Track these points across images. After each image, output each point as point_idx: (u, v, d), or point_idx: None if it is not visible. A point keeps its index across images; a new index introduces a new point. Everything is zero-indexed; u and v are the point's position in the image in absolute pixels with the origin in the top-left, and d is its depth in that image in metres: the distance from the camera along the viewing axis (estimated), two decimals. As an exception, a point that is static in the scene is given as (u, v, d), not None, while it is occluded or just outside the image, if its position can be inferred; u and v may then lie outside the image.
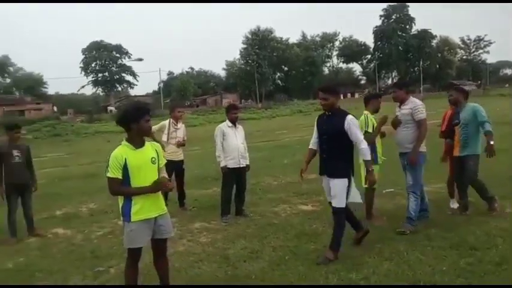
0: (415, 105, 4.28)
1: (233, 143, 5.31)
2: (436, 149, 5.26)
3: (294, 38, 76.93)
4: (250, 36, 69.16)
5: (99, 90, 64.25)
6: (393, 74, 77.42)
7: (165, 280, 3.13)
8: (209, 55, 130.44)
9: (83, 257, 4.25)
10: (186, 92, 59.99)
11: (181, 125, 6.05)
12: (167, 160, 3.41)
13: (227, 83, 74.89)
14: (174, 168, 5.48)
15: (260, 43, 68.36)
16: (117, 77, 62.24)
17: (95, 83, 61.55)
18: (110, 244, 4.61)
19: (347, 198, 3.68)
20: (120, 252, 3.95)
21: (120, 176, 2.85)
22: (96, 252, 4.38)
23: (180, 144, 5.86)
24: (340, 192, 3.65)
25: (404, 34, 73.35)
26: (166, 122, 5.90)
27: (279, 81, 76.38)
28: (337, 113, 3.73)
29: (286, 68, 74.73)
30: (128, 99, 52.60)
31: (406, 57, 73.71)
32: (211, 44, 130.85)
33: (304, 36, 77.91)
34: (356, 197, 3.80)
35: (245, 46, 69.33)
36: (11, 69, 64.67)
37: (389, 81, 75.98)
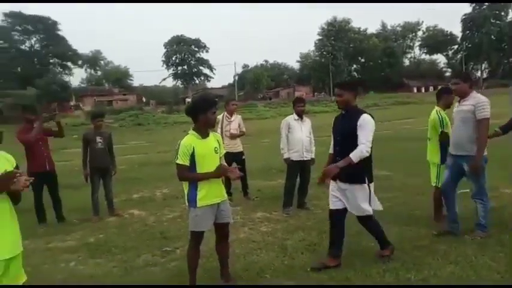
0: (478, 101, 3.81)
1: (298, 136, 5.35)
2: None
3: (372, 28, 74.20)
4: (326, 27, 67.88)
5: (179, 83, 67.69)
6: (483, 65, 70.92)
7: (225, 263, 3.31)
8: (284, 47, 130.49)
9: (153, 237, 4.63)
10: (259, 85, 60.84)
11: (235, 117, 6.31)
12: (225, 152, 3.58)
13: (300, 75, 74.44)
14: (234, 159, 5.68)
15: (336, 34, 66.78)
16: (195, 70, 64.95)
17: (175, 76, 64.86)
18: (178, 227, 4.96)
19: (371, 205, 3.44)
20: (186, 234, 4.17)
21: (187, 163, 3.05)
22: (165, 233, 4.75)
23: (234, 136, 6.08)
24: (361, 199, 3.40)
25: (498, 22, 66.54)
26: (221, 116, 6.14)
27: (354, 73, 74.05)
28: (353, 112, 3.44)
29: (362, 60, 72.32)
30: (204, 91, 54.77)
31: (499, 47, 66.87)
32: (287, 36, 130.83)
33: (383, 26, 74.82)
34: (377, 204, 3.56)
35: (320, 37, 68.20)
36: (102, 62, 70.89)
37: (479, 74, 69.73)
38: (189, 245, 3.25)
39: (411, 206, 5.20)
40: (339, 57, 65.51)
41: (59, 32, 55.98)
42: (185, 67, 63.97)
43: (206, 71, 66.05)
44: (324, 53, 66.66)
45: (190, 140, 3.08)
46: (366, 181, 3.39)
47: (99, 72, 71.11)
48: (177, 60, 63.63)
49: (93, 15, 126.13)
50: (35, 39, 56.18)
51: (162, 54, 63.01)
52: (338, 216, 3.54)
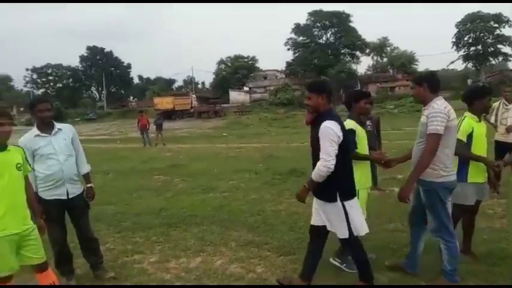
0: (431, 110, 3.14)
1: None
2: None
3: None
4: None
5: (470, 65, 60.96)
6: None
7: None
8: None
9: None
10: None
11: None
12: (495, 140, 3.84)
13: None
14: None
15: None
16: (492, 49, 56.64)
17: (466, 58, 58.74)
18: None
19: (350, 227, 3.05)
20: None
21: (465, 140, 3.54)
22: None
23: (510, 130, 5.55)
24: (336, 220, 3.08)
25: None
26: (497, 103, 5.72)
27: None
28: (320, 118, 3.06)
29: None
30: (501, 74, 47.11)
31: None
32: None
33: None
34: (360, 227, 3.10)
35: None
36: (388, 49, 72.26)
37: None
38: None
39: None
40: None
41: (351, 24, 60.99)
42: (479, 47, 56.78)
43: (507, 49, 56.39)
44: None
45: (469, 122, 3.59)
46: (338, 199, 3.05)
47: (384, 59, 73.04)
48: (470, 40, 57.23)
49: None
50: (330, 32, 63.37)
51: (453, 35, 58.19)
52: (317, 233, 3.29)
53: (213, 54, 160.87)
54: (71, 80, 76.51)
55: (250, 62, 70.64)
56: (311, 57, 59.27)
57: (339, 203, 3.06)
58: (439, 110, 3.09)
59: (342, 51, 63.24)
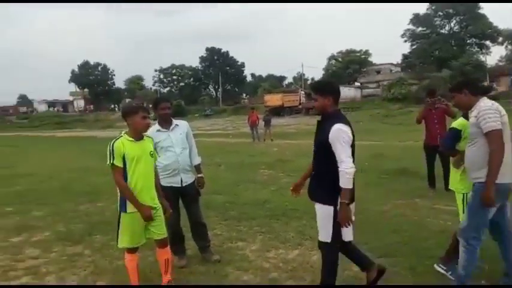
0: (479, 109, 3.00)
1: None
2: None
3: None
4: None
5: None
6: None
7: None
8: None
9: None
10: None
11: None
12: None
13: None
14: None
15: None
16: None
17: None
18: None
19: (334, 232, 2.95)
20: None
21: None
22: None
23: None
24: (322, 222, 3.02)
25: None
26: None
27: None
28: (328, 119, 2.99)
29: None
30: None
31: None
32: None
33: None
34: (347, 234, 3.03)
35: None
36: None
37: None
38: None
39: None
40: None
41: (480, 11, 54.55)
42: None
43: None
44: None
45: None
46: (333, 202, 2.93)
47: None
48: None
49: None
50: (454, 21, 57.62)
51: None
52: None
53: (324, 50, 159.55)
54: (191, 79, 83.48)
55: (362, 56, 68.21)
56: (431, 49, 54.87)
57: (330, 206, 2.96)
58: (487, 106, 3.00)
59: (468, 41, 57.15)
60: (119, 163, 3.20)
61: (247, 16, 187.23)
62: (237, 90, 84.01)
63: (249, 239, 4.87)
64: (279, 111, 44.42)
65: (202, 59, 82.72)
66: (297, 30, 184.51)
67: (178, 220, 4.20)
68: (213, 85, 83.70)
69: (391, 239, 4.63)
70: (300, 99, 48.31)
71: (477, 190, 3.04)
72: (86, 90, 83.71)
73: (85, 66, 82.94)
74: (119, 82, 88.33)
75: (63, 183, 9.77)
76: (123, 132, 3.38)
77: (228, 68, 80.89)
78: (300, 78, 76.86)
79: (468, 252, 3.12)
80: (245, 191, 7.69)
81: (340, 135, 2.88)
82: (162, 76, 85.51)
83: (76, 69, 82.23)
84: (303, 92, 51.94)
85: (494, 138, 2.91)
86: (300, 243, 4.60)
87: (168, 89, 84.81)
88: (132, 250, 3.38)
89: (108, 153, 3.21)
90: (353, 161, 2.92)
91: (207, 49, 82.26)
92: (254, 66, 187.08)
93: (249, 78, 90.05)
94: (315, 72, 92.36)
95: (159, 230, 3.40)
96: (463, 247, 3.14)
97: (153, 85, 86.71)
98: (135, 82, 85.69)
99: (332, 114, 3.03)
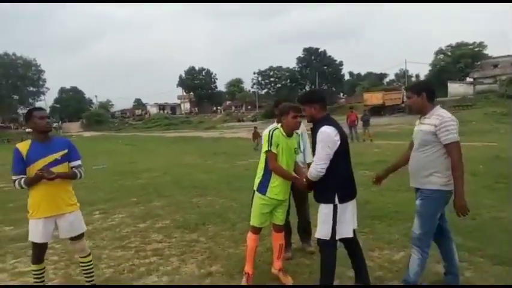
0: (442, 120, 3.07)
1: None
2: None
3: None
4: None
5: None
6: None
7: None
8: None
9: None
10: None
11: None
12: None
13: None
14: None
15: None
16: None
17: None
18: None
19: (334, 230, 3.13)
20: None
21: None
22: None
23: None
24: (321, 219, 3.18)
25: None
26: None
27: None
28: (317, 124, 3.19)
29: None
30: None
31: None
32: None
33: None
34: (346, 232, 3.18)
35: None
36: None
37: None
38: None
39: None
40: None
41: None
42: None
43: None
44: None
45: None
46: (336, 201, 3.13)
47: None
48: None
49: None
50: None
51: None
52: (346, 242, 3.37)
53: (430, 45, 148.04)
54: (288, 80, 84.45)
55: (476, 49, 61.85)
56: None
57: (332, 205, 3.13)
58: (450, 118, 3.09)
59: None
60: (275, 150, 3.55)
61: (345, 15, 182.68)
62: (334, 89, 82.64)
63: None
64: (379, 110, 42.64)
65: (299, 60, 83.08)
66: (399, 25, 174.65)
67: (288, 215, 4.47)
68: (309, 85, 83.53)
69: (509, 246, 4.27)
70: (403, 98, 45.70)
71: (428, 197, 3.16)
72: (191, 93, 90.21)
73: (191, 71, 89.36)
74: (221, 85, 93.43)
75: (175, 178, 10.85)
76: (278, 124, 3.77)
77: (325, 67, 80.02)
78: (403, 75, 72.66)
79: (423, 260, 3.25)
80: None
81: (322, 136, 3.07)
82: (260, 78, 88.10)
83: (183, 75, 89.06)
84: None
85: (457, 149, 3.04)
86: (406, 246, 4.50)
87: (265, 90, 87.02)
88: (256, 230, 3.77)
89: (267, 141, 3.58)
90: (348, 161, 3.24)
91: (304, 49, 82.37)
92: (352, 64, 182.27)
93: (346, 77, 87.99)
94: (420, 68, 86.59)
95: (282, 216, 3.78)
96: (418, 255, 3.25)
97: (252, 87, 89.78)
98: (235, 85, 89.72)
99: (320, 119, 3.23)
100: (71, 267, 4.49)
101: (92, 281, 3.67)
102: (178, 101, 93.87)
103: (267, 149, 3.55)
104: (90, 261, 3.65)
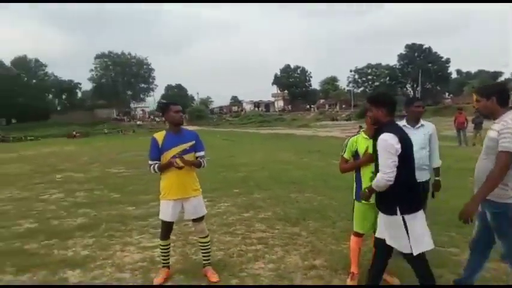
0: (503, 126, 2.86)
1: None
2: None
3: None
4: None
5: None
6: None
7: None
8: None
9: None
10: None
11: None
12: None
13: None
14: None
15: None
16: None
17: None
18: None
19: (411, 242, 2.95)
20: None
21: None
22: None
23: None
24: (395, 234, 3.01)
25: None
26: None
27: None
28: (381, 131, 3.04)
29: None
30: None
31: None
32: None
33: None
34: (424, 243, 2.98)
35: None
36: None
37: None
38: None
39: None
40: None
41: None
42: None
43: None
44: None
45: None
46: (398, 212, 2.97)
47: None
48: None
49: None
50: None
51: None
52: (380, 246, 3.21)
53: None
54: (387, 78, 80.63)
55: None
56: None
57: (398, 216, 2.99)
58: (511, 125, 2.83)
59: None
60: (347, 156, 3.75)
61: (451, 9, 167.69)
62: (438, 88, 76.73)
63: (462, 245, 4.65)
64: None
65: (401, 57, 78.81)
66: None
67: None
68: (411, 84, 78.79)
69: None
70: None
71: (500, 213, 2.96)
72: (285, 91, 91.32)
73: (286, 69, 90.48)
74: (315, 84, 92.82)
75: (272, 173, 11.21)
76: (361, 130, 3.86)
77: (429, 64, 74.65)
78: (521, 74, 64.38)
79: None
80: (451, 198, 7.21)
81: (383, 144, 2.98)
82: (356, 76, 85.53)
83: (278, 73, 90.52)
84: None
85: (503, 158, 2.81)
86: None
87: (361, 89, 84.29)
88: (357, 234, 3.79)
89: (344, 146, 3.80)
90: (411, 169, 3.07)
91: (407, 46, 77.91)
92: (461, 62, 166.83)
93: (454, 75, 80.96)
94: (544, 65, 75.70)
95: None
96: None
97: (347, 85, 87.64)
98: (329, 83, 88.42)
99: (385, 124, 3.11)
100: (187, 246, 5.01)
101: (208, 259, 4.07)
102: (273, 99, 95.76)
103: (341, 153, 3.81)
104: (208, 241, 4.06)
